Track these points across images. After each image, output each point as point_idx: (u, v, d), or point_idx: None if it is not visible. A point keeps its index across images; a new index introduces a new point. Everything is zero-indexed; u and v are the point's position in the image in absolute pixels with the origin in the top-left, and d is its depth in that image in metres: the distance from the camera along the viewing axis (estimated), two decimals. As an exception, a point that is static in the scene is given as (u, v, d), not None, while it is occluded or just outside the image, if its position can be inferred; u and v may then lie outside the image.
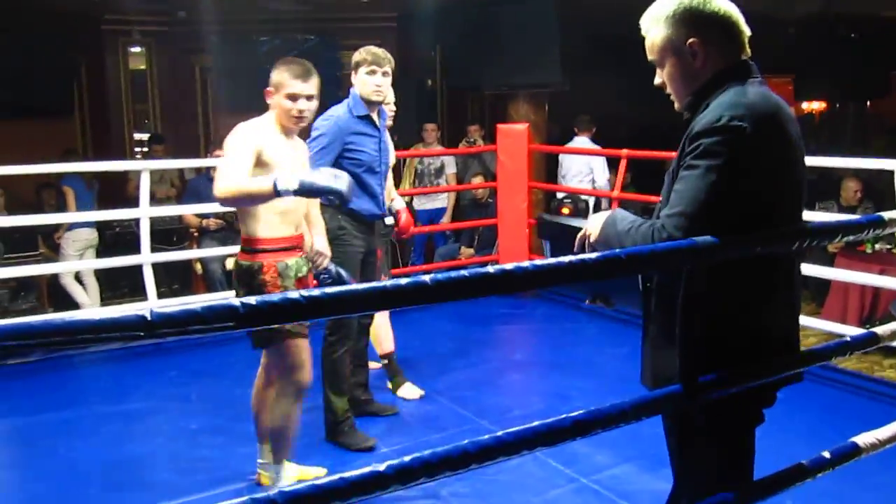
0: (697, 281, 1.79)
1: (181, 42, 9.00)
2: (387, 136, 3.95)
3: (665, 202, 1.82)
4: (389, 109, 4.05)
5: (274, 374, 3.13)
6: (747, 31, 1.84)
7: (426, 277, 1.38)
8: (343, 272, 3.33)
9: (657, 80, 1.92)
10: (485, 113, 10.20)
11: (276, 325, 2.70)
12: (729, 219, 1.69)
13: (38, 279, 6.85)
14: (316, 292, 1.29)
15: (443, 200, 8.04)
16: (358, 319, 3.95)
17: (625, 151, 6.12)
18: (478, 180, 7.75)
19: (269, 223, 2.95)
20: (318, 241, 3.28)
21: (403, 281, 1.37)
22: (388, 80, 3.75)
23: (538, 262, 1.51)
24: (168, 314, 1.16)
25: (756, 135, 1.69)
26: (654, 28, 1.85)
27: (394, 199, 4.22)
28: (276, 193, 2.68)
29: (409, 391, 4.43)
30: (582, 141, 7.83)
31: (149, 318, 1.14)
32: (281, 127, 3.00)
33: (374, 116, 3.77)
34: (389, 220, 4.10)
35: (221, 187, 2.74)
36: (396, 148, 8.36)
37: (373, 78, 3.67)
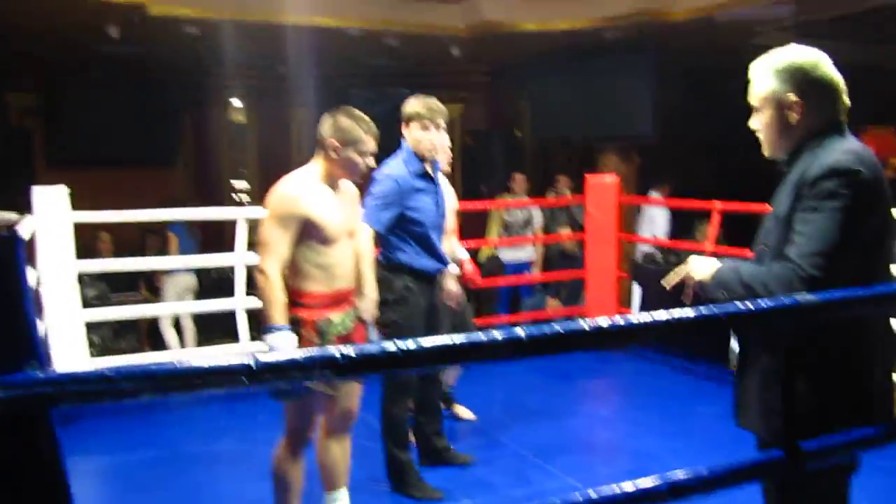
0: (801, 338, 1.77)
1: (280, 95, 9.39)
2: (444, 184, 3.80)
3: (771, 247, 1.90)
4: (446, 156, 3.81)
5: (324, 415, 3.03)
6: (847, 99, 1.94)
7: (520, 330, 1.37)
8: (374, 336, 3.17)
9: (752, 123, 2.00)
10: (573, 164, 10.18)
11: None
12: (855, 258, 1.80)
13: (138, 320, 7.15)
14: (412, 345, 1.30)
15: (530, 252, 7.99)
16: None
17: (718, 205, 5.98)
18: (565, 232, 7.70)
19: (311, 277, 2.81)
20: (365, 305, 3.05)
21: (497, 335, 1.36)
22: (444, 132, 3.62)
23: (634, 317, 1.48)
24: (272, 363, 1.19)
25: (870, 178, 1.81)
26: (763, 77, 1.95)
27: (455, 249, 4.11)
28: (264, 330, 2.71)
29: (463, 411, 4.39)
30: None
31: (253, 367, 1.17)
32: (330, 178, 2.87)
33: (429, 168, 3.61)
34: (455, 269, 3.91)
35: (260, 275, 2.72)
36: (484, 198, 8.48)
37: (428, 133, 3.53)
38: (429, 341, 1.32)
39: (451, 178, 9.63)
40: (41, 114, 8.01)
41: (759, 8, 6.33)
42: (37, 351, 1.11)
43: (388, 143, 9.16)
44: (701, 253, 6.61)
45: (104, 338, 6.13)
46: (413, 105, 3.59)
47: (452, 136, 9.63)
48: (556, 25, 6.97)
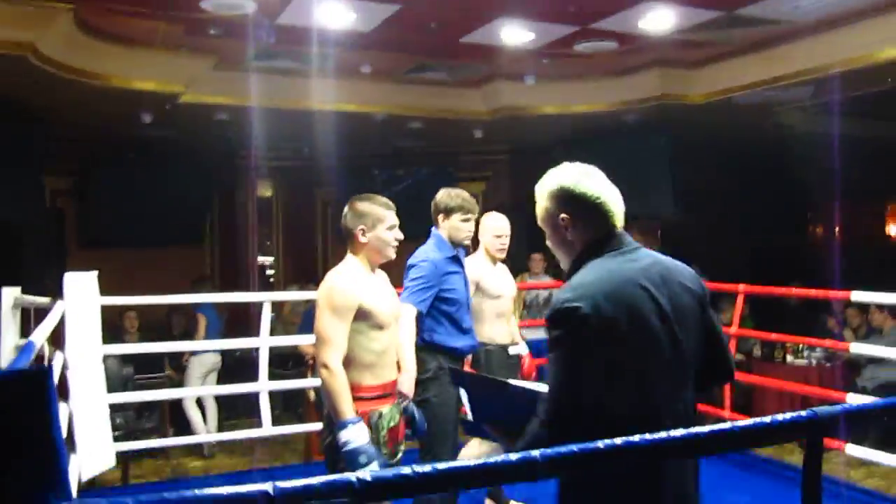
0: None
1: (305, 175, 9.59)
2: (503, 270, 4.19)
3: None
4: (497, 246, 4.27)
5: None
6: (617, 208, 1.98)
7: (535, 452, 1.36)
8: (417, 414, 3.22)
9: (548, 243, 2.09)
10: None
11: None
12: (590, 398, 1.75)
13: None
14: (428, 468, 1.30)
15: (551, 331, 7.96)
16: None
17: (741, 287, 5.93)
18: (588, 310, 7.66)
19: (363, 368, 2.87)
20: (404, 380, 3.24)
21: (512, 457, 1.36)
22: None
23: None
24: (289, 490, 1.20)
25: (593, 313, 1.75)
26: (539, 200, 2.06)
27: (518, 342, 4.36)
28: (339, 426, 2.72)
29: None
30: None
31: (271, 494, 1.18)
32: (369, 265, 2.97)
33: (459, 253, 3.89)
34: (514, 350, 4.22)
35: (324, 370, 2.77)
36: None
37: (467, 224, 3.82)
38: (445, 465, 1.33)
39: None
40: (75, 195, 8.23)
41: (777, 90, 6.41)
42: (65, 486, 1.13)
43: (410, 219, 9.22)
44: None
45: (128, 419, 6.13)
46: (454, 198, 3.86)
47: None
48: (576, 109, 7.10)
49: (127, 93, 5.79)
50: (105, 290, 6.70)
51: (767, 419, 1.57)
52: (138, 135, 7.54)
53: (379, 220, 2.95)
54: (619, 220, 2.00)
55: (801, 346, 7.21)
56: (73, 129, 7.38)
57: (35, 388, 1.17)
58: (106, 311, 6.88)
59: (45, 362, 4.52)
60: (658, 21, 5.29)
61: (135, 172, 8.42)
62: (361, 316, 2.84)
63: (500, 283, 4.22)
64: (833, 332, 7.69)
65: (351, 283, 2.88)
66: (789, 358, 7.57)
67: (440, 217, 3.84)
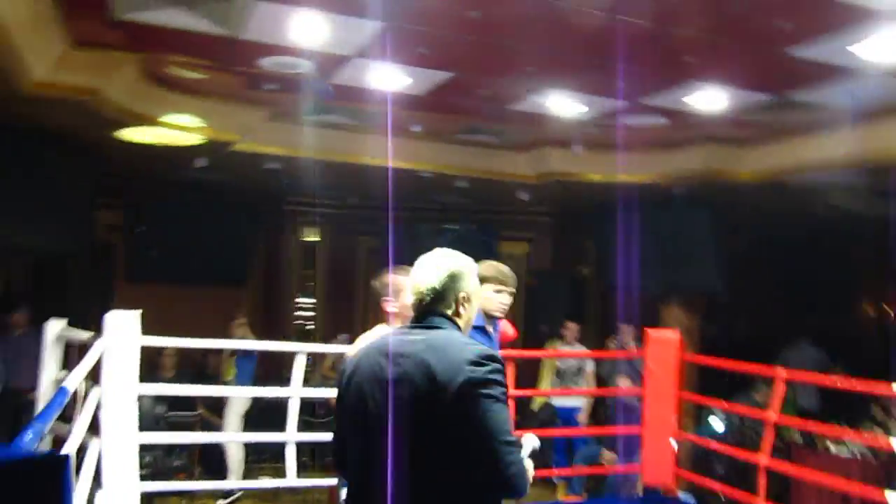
0: None
1: (350, 223, 9.72)
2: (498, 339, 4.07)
3: None
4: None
5: None
6: (414, 293, 2.34)
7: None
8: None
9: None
10: (639, 311, 10.08)
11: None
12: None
13: (192, 438, 7.21)
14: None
15: (581, 398, 7.87)
16: None
17: (780, 371, 5.77)
18: (624, 383, 7.53)
19: None
20: None
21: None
22: (512, 299, 3.88)
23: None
24: None
25: (346, 368, 2.34)
26: (467, 275, 2.42)
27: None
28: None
29: None
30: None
31: None
32: None
33: (489, 325, 3.83)
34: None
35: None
36: (541, 342, 8.44)
37: (499, 296, 3.79)
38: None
39: (513, 317, 9.67)
40: (125, 230, 8.45)
41: (828, 173, 6.32)
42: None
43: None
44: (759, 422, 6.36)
45: (156, 457, 6.18)
46: (487, 268, 3.80)
47: (518, 275, 9.75)
48: (622, 178, 7.09)
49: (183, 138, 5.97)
50: (147, 324, 6.82)
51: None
52: (191, 176, 7.75)
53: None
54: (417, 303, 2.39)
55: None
56: (129, 167, 7.61)
57: (53, 473, 1.19)
58: (146, 347, 7.02)
59: (81, 400, 4.59)
60: (707, 100, 5.29)
61: (185, 211, 8.63)
62: None
63: None
64: (879, 421, 7.43)
65: None
66: (832, 448, 7.31)
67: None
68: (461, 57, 4.79)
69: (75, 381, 3.99)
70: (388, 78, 5.08)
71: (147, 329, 5.77)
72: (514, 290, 3.88)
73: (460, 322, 2.35)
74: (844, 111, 5.37)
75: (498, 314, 3.84)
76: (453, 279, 2.34)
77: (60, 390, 3.49)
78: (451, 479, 2.06)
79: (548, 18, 4.09)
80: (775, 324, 10.47)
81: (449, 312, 2.33)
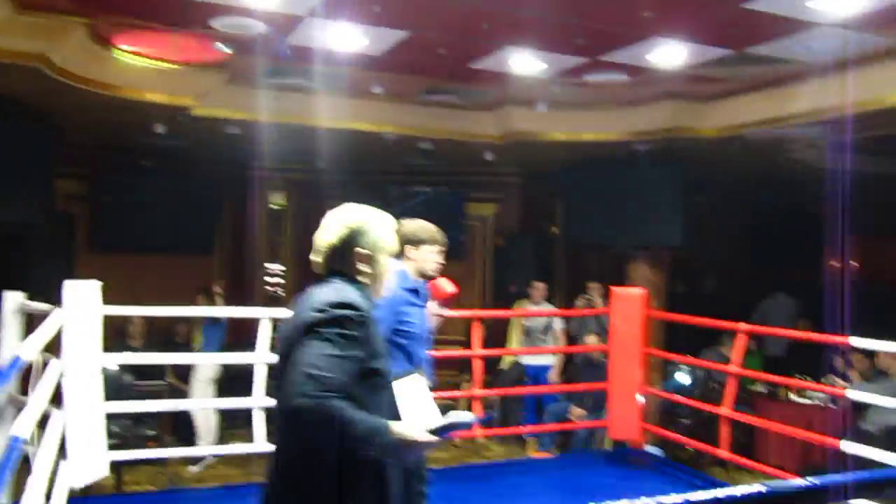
0: None
1: (318, 188, 9.64)
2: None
3: None
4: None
5: None
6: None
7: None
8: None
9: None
10: (605, 270, 10.16)
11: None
12: None
13: (162, 407, 7.20)
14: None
15: (550, 357, 7.96)
16: None
17: (742, 325, 5.86)
18: (592, 339, 7.61)
19: None
20: None
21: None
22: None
23: None
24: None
25: None
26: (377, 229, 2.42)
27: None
28: None
29: None
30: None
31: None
32: None
33: (420, 286, 3.86)
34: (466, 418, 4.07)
35: None
36: (509, 303, 8.49)
37: (437, 256, 3.84)
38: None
39: (482, 277, 9.66)
40: (87, 200, 8.31)
41: (789, 127, 6.36)
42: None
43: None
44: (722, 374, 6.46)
45: (124, 427, 6.15)
46: (423, 230, 3.84)
47: (485, 236, 9.78)
48: (586, 137, 7.10)
49: (139, 104, 5.85)
50: (114, 294, 6.74)
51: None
52: (151, 143, 7.61)
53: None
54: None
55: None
56: (87, 135, 7.46)
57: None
58: (113, 317, 6.97)
59: (39, 372, 4.55)
60: (667, 56, 5.28)
61: (147, 179, 8.51)
62: None
63: None
64: (840, 371, 7.60)
65: None
66: (793, 396, 7.49)
67: (408, 248, 3.77)
68: (416, 15, 4.73)
69: (30, 350, 3.95)
70: (343, 38, 5.00)
71: (114, 299, 5.73)
72: (445, 249, 3.91)
73: (365, 280, 2.34)
74: (802, 65, 5.40)
75: (433, 274, 3.87)
76: (352, 236, 2.32)
77: (14, 359, 3.46)
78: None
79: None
80: (743, 278, 10.63)
81: (346, 269, 2.32)
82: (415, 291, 3.79)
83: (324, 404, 2.00)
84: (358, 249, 2.31)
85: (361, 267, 2.32)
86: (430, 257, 3.81)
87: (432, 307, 4.17)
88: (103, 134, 7.50)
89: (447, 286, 4.24)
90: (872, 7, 4.24)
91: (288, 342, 2.17)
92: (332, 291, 2.20)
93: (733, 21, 4.62)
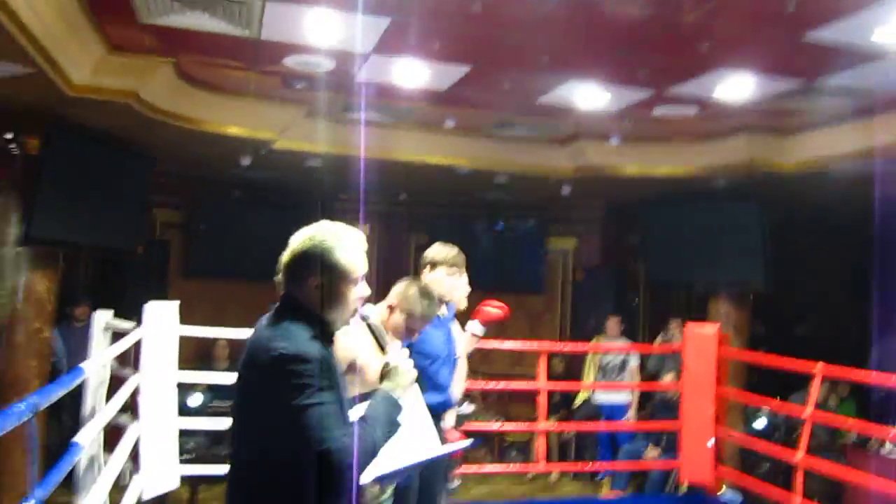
0: None
1: (401, 220, 9.88)
2: (455, 327, 4.00)
3: None
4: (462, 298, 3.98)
5: None
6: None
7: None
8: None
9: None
10: (690, 307, 9.89)
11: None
12: None
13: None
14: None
15: (626, 395, 7.79)
16: None
17: (819, 367, 5.59)
18: (670, 378, 7.41)
19: None
20: None
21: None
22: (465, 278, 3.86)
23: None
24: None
25: None
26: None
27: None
28: None
29: None
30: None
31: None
32: None
33: (444, 308, 3.81)
34: (465, 410, 4.05)
35: None
36: (588, 338, 8.39)
37: (452, 279, 3.80)
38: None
39: (561, 311, 9.60)
40: (181, 228, 8.83)
41: (875, 161, 6.07)
42: None
43: (501, 268, 9.05)
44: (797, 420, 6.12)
45: (199, 444, 6.44)
46: (441, 252, 3.86)
47: (565, 270, 9.71)
48: (659, 171, 6.99)
49: (222, 138, 6.21)
50: (201, 317, 7.14)
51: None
52: (240, 175, 8.04)
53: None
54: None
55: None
56: (181, 167, 7.96)
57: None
58: (201, 339, 7.32)
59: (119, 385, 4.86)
60: (735, 88, 5.18)
61: (238, 209, 8.96)
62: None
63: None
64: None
65: None
66: (886, 449, 7.01)
67: (425, 270, 3.83)
68: (477, 50, 4.85)
69: (98, 363, 4.23)
70: (407, 74, 5.18)
71: (203, 321, 6.07)
72: (463, 273, 3.85)
73: (324, 311, 2.13)
74: (883, 94, 5.18)
75: (449, 298, 3.80)
76: (309, 258, 2.13)
77: (75, 369, 3.72)
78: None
79: (564, 8, 4.09)
80: (841, 320, 10.07)
81: (300, 297, 2.12)
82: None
83: (341, 451, 1.95)
84: (315, 276, 2.11)
85: (318, 295, 2.11)
86: (445, 280, 3.80)
87: (474, 327, 4.19)
88: (196, 166, 7.97)
89: (492, 309, 4.27)
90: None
91: (244, 381, 2.10)
92: (285, 336, 2.04)
93: (799, 52, 4.50)
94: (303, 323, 2.08)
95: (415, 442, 2.51)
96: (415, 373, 2.31)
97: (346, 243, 2.18)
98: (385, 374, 2.25)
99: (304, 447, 1.96)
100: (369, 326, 2.38)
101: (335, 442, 1.95)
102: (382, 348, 2.38)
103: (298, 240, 2.20)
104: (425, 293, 3.24)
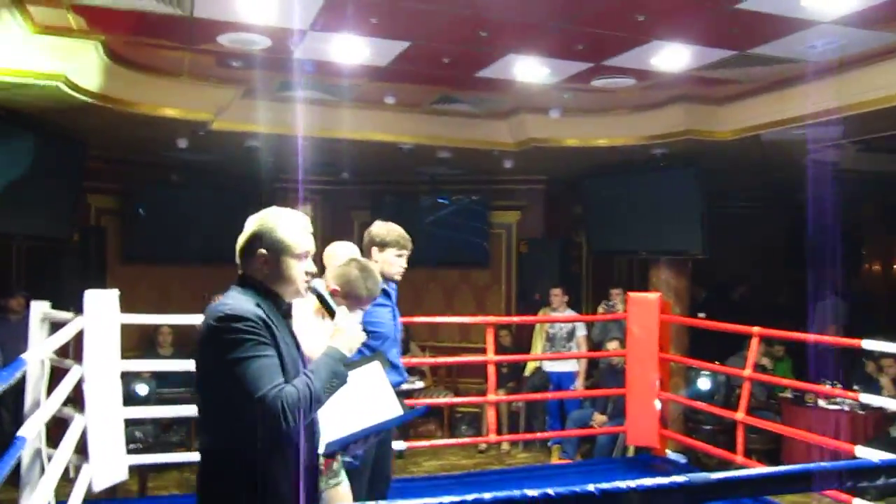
0: None
1: (346, 199, 9.80)
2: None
3: None
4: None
5: None
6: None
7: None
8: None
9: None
10: (632, 275, 10.11)
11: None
12: None
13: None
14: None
15: (573, 364, 7.93)
16: None
17: (755, 329, 5.79)
18: (614, 345, 7.58)
19: None
20: None
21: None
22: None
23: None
24: None
25: None
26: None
27: None
28: None
29: None
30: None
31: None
32: None
33: (388, 287, 3.90)
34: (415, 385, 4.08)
35: None
36: (535, 309, 8.51)
37: (401, 260, 3.89)
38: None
39: (507, 285, 9.72)
40: (117, 214, 8.59)
41: (806, 128, 6.26)
42: None
43: (445, 245, 9.06)
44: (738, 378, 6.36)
45: (146, 433, 6.34)
46: (389, 232, 3.90)
47: (509, 244, 9.79)
48: (600, 142, 7.09)
49: (157, 120, 6.06)
50: (143, 304, 6.99)
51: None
52: (178, 157, 7.86)
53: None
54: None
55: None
56: (117, 151, 7.74)
57: None
58: (144, 326, 7.15)
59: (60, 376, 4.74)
60: (670, 59, 5.27)
61: (176, 193, 8.77)
62: None
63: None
64: (872, 376, 7.43)
65: None
66: (821, 402, 7.32)
67: (374, 250, 3.86)
68: (414, 25, 4.82)
69: (39, 355, 4.12)
70: (346, 50, 5.12)
71: (144, 308, 5.94)
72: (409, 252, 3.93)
73: (271, 283, 2.30)
74: (810, 63, 5.33)
75: (398, 277, 3.92)
76: (256, 237, 2.32)
77: (16, 361, 3.62)
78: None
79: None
80: (773, 285, 10.43)
81: (251, 272, 2.31)
82: (383, 293, 3.80)
83: (277, 397, 2.08)
84: (260, 251, 2.29)
85: (265, 269, 2.29)
86: (395, 261, 3.86)
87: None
88: (131, 149, 7.76)
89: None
90: (867, 4, 4.18)
91: (198, 353, 2.25)
92: (228, 301, 2.21)
93: (729, 22, 4.59)
94: (250, 293, 2.27)
95: (370, 407, 2.60)
96: (363, 335, 2.46)
97: (288, 222, 2.36)
98: (334, 334, 2.39)
99: (239, 397, 2.08)
100: (317, 294, 2.45)
101: (270, 390, 2.08)
102: (331, 314, 2.46)
103: (249, 223, 2.39)
104: (365, 271, 3.27)
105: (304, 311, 2.90)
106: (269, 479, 2.14)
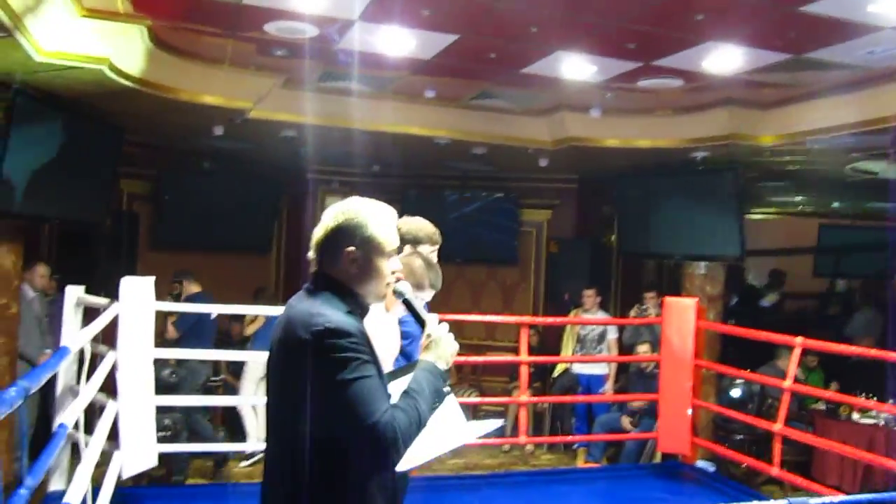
0: None
1: (374, 192, 9.70)
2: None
3: None
4: None
5: None
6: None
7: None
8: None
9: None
10: (661, 278, 9.97)
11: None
12: None
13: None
14: None
15: (603, 366, 7.85)
16: None
17: (799, 340, 5.66)
18: (644, 349, 7.48)
19: None
20: None
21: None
22: None
23: None
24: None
25: None
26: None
27: None
28: None
29: None
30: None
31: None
32: None
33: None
34: None
35: None
36: (563, 309, 8.42)
37: (433, 256, 3.62)
38: None
39: (535, 284, 9.62)
40: (149, 200, 8.59)
41: (854, 136, 6.13)
42: None
43: (473, 242, 8.99)
44: (778, 390, 6.25)
45: (175, 420, 6.31)
46: (423, 228, 3.62)
47: (538, 242, 9.71)
48: (640, 143, 6.98)
49: (196, 107, 6.01)
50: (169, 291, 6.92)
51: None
52: (212, 145, 7.82)
53: None
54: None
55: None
56: (151, 137, 7.71)
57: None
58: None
59: (92, 362, 4.71)
60: (722, 61, 5.16)
61: (208, 180, 8.75)
62: None
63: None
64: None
65: None
66: (855, 416, 7.19)
67: (406, 247, 3.55)
68: (464, 19, 4.74)
69: (80, 342, 4.09)
70: (393, 42, 5.04)
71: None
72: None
73: (358, 286, 2.10)
74: (866, 70, 5.20)
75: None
76: (342, 231, 2.10)
77: (61, 349, 3.58)
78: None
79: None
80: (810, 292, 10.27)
81: (335, 272, 2.10)
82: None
83: (389, 423, 1.91)
84: (349, 249, 2.08)
85: (352, 269, 2.09)
86: (428, 257, 3.61)
87: None
88: (166, 135, 7.74)
89: None
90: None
91: (281, 358, 2.05)
92: (323, 311, 1.99)
93: (789, 24, 4.48)
94: (338, 298, 2.07)
95: (445, 427, 2.37)
96: (457, 345, 2.26)
97: (380, 218, 2.16)
98: (427, 345, 2.21)
99: (349, 422, 1.91)
100: (406, 302, 2.30)
101: (383, 415, 1.91)
102: (422, 322, 2.28)
103: (331, 215, 2.16)
104: (430, 264, 3.16)
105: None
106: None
